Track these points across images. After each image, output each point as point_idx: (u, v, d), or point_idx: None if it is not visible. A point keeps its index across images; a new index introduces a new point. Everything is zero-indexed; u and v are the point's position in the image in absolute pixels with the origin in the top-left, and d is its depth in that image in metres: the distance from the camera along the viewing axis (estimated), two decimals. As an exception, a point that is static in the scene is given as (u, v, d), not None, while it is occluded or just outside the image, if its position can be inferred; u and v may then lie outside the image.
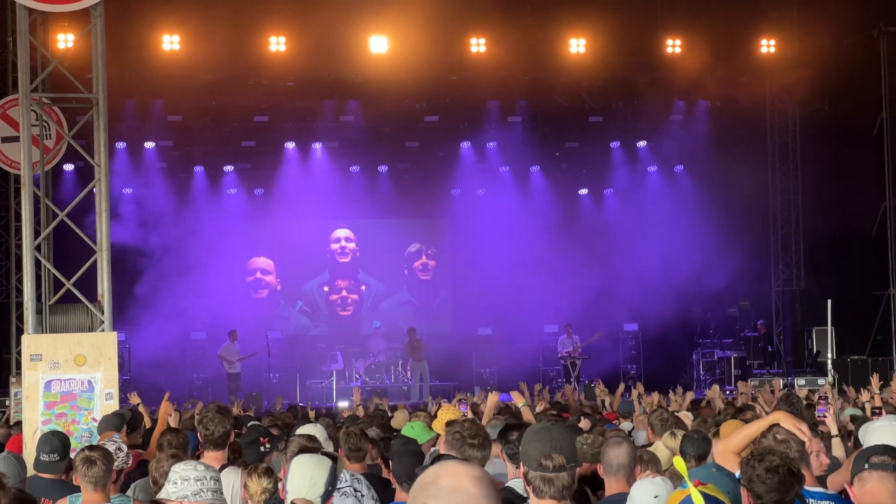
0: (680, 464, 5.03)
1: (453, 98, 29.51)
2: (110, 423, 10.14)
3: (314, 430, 8.64)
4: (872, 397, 12.74)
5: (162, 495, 6.39)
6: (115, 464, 7.86)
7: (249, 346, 28.97)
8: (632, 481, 6.43)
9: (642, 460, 7.79)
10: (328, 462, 6.02)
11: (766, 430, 6.08)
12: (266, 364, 28.72)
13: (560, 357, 29.55)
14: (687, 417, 10.99)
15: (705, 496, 4.72)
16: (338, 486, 8.18)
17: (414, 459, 7.52)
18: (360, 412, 15.09)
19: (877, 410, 12.34)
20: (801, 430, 5.94)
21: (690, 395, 15.86)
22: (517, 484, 7.07)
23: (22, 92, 13.22)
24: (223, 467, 8.16)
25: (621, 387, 18.10)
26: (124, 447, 8.65)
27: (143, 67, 26.77)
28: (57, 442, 8.87)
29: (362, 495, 8.13)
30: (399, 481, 7.58)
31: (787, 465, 5.65)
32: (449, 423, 8.22)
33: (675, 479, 8.32)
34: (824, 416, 9.10)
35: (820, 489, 6.32)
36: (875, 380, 13.31)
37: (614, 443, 7.48)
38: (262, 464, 7.60)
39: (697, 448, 8.08)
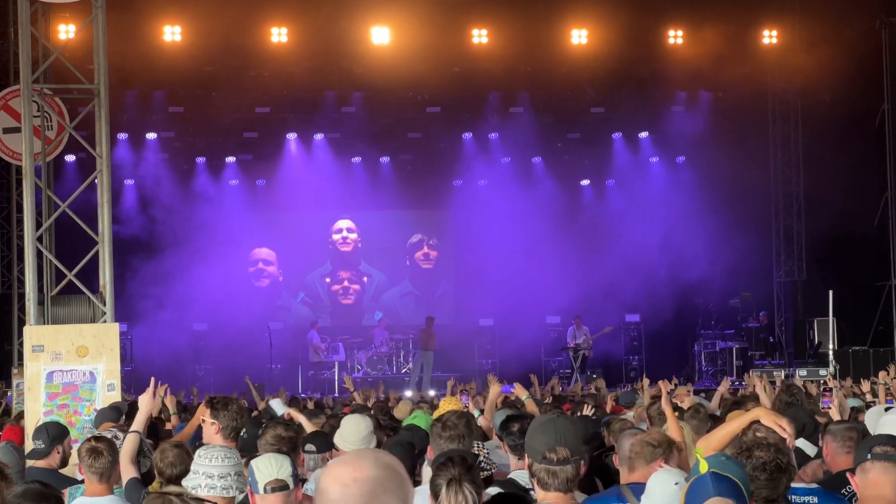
0: (699, 451, 5.04)
1: (455, 89, 29.48)
2: (107, 416, 10.15)
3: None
4: (872, 389, 12.74)
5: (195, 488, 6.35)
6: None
7: (252, 336, 29.09)
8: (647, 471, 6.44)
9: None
10: (286, 455, 6.12)
11: (747, 427, 6.06)
12: (268, 355, 28.77)
13: (566, 348, 29.50)
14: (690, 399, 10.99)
15: (718, 475, 4.71)
16: None
17: (403, 452, 7.51)
18: (358, 398, 15.11)
19: (872, 402, 12.33)
20: (781, 426, 5.92)
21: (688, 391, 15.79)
22: (519, 476, 7.07)
23: (23, 83, 13.21)
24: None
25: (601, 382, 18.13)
26: (121, 435, 8.65)
27: (145, 58, 26.78)
28: (45, 431, 8.89)
29: None
30: None
31: (776, 461, 5.63)
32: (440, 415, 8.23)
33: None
34: (828, 408, 9.09)
35: (802, 484, 6.31)
36: (883, 375, 13.34)
37: (630, 434, 7.48)
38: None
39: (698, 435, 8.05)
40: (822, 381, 17.89)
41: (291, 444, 7.32)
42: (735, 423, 6.14)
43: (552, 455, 5.30)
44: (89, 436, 8.16)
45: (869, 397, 12.77)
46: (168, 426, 11.84)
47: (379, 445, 8.78)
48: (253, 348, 29.00)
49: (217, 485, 6.14)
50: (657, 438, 6.87)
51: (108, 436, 8.11)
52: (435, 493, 5.47)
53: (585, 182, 32.80)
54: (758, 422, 6.00)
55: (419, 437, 8.40)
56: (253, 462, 5.93)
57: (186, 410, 13.56)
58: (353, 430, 8.05)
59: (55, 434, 8.94)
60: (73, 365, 12.03)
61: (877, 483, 5.18)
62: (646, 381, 14.86)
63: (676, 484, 5.71)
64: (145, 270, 28.08)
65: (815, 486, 6.32)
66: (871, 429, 7.17)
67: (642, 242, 30.34)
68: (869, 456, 5.22)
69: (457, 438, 7.37)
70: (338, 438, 8.36)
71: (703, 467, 4.68)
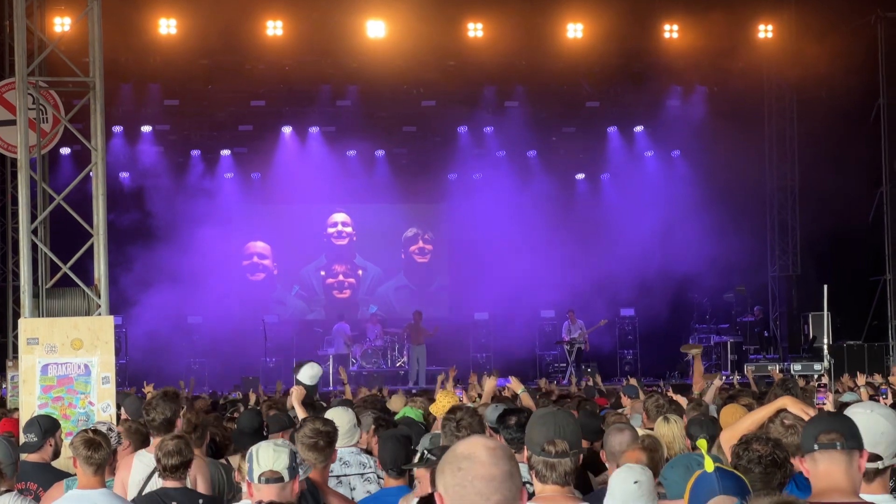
0: (702, 444, 5.03)
1: (450, 82, 29.44)
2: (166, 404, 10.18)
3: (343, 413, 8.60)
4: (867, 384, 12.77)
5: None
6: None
7: (247, 329, 29.08)
8: None
9: (643, 445, 7.76)
10: (288, 444, 6.11)
11: (774, 415, 6.06)
12: (262, 348, 28.76)
13: (560, 342, 29.51)
14: (683, 401, 10.98)
15: (724, 470, 4.71)
16: (362, 472, 8.26)
17: (398, 445, 7.51)
18: (348, 393, 15.16)
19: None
20: (808, 414, 5.92)
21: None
22: (515, 469, 7.06)
23: (19, 75, 13.18)
24: None
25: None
26: (115, 428, 8.65)
27: (140, 51, 26.78)
28: (37, 424, 8.88)
29: (380, 478, 8.17)
30: (385, 468, 7.57)
31: (772, 456, 5.62)
32: (451, 411, 8.23)
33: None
34: (823, 404, 9.10)
35: None
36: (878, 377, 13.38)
37: (616, 429, 7.47)
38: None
39: (704, 431, 8.02)
40: (817, 376, 17.88)
41: (328, 438, 7.31)
42: (762, 412, 6.14)
43: (551, 448, 5.30)
44: (83, 428, 8.16)
45: (863, 392, 12.79)
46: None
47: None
48: (247, 341, 28.99)
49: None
50: (647, 442, 6.82)
51: (103, 428, 8.12)
52: (433, 481, 5.48)
53: (580, 176, 32.80)
54: (785, 410, 6.00)
55: (415, 432, 8.40)
56: (253, 449, 5.95)
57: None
58: (335, 421, 8.07)
59: (47, 427, 8.94)
60: (68, 358, 12.01)
61: (828, 474, 5.10)
62: (633, 381, 14.90)
63: (636, 482, 5.68)
64: (140, 263, 28.03)
65: None
66: None
67: (637, 236, 30.32)
68: (816, 447, 5.14)
69: None
70: None
71: (709, 466, 4.67)
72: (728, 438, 6.15)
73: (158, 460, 7.47)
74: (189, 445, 7.62)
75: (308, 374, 10.32)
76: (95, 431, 7.67)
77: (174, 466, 7.43)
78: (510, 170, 31.62)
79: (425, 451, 6.84)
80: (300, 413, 9.65)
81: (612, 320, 30.57)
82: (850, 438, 5.11)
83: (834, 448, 5.07)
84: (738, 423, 6.23)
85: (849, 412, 5.38)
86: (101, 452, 7.41)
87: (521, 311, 30.36)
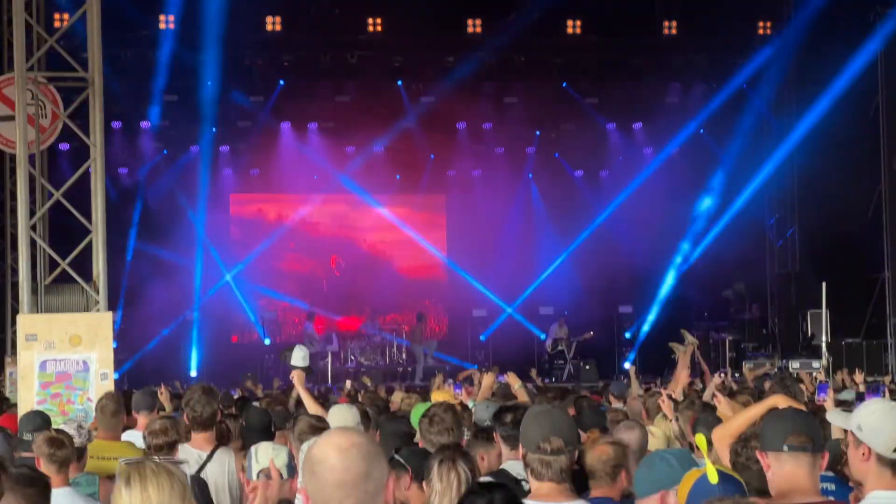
0: (701, 441, 5.02)
1: (449, 79, 29.47)
2: (144, 403, 10.20)
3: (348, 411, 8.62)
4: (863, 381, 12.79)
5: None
6: (78, 442, 7.79)
7: (245, 325, 29.08)
8: None
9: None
10: (286, 446, 6.17)
11: (766, 413, 6.07)
12: (261, 344, 28.76)
13: (557, 339, 29.58)
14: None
15: (723, 474, 4.71)
16: None
17: (398, 442, 7.51)
18: (348, 386, 15.20)
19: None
20: None
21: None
22: (512, 466, 7.07)
23: (17, 71, 13.17)
24: (215, 448, 8.18)
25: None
26: (85, 425, 8.62)
27: (139, 47, 26.76)
28: (39, 420, 8.87)
29: None
30: None
31: None
32: (429, 408, 8.24)
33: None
34: (824, 400, 9.10)
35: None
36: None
37: (626, 427, 7.46)
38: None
39: (710, 429, 8.00)
40: (812, 374, 17.93)
41: None
42: (753, 410, 6.15)
43: (546, 445, 5.31)
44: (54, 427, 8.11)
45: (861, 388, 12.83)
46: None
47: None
48: (246, 337, 28.97)
49: None
50: (612, 454, 6.76)
51: (73, 426, 8.05)
52: (426, 474, 5.49)
53: (579, 172, 32.79)
54: (776, 408, 6.02)
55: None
56: (252, 448, 5.99)
57: (180, 398, 13.57)
58: (338, 421, 8.08)
59: (48, 423, 8.95)
60: (67, 354, 12.02)
61: (794, 476, 5.10)
62: (632, 369, 14.88)
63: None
64: (139, 259, 28.04)
65: (830, 473, 6.32)
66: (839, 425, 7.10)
67: (635, 233, 30.31)
68: (785, 448, 5.13)
69: (445, 432, 7.38)
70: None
71: (713, 476, 4.65)
72: (720, 436, 6.16)
73: (149, 446, 7.49)
74: (176, 426, 7.66)
75: (300, 356, 10.44)
76: (58, 431, 7.64)
77: (158, 446, 7.47)
78: (509, 166, 31.62)
79: (393, 454, 6.72)
80: (305, 398, 9.70)
81: (611, 317, 30.59)
82: (818, 442, 5.13)
83: (804, 451, 5.09)
84: (730, 422, 6.24)
85: (865, 407, 5.34)
86: (63, 450, 7.35)
87: (521, 307, 30.36)
